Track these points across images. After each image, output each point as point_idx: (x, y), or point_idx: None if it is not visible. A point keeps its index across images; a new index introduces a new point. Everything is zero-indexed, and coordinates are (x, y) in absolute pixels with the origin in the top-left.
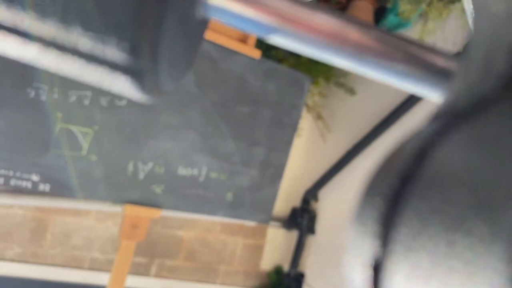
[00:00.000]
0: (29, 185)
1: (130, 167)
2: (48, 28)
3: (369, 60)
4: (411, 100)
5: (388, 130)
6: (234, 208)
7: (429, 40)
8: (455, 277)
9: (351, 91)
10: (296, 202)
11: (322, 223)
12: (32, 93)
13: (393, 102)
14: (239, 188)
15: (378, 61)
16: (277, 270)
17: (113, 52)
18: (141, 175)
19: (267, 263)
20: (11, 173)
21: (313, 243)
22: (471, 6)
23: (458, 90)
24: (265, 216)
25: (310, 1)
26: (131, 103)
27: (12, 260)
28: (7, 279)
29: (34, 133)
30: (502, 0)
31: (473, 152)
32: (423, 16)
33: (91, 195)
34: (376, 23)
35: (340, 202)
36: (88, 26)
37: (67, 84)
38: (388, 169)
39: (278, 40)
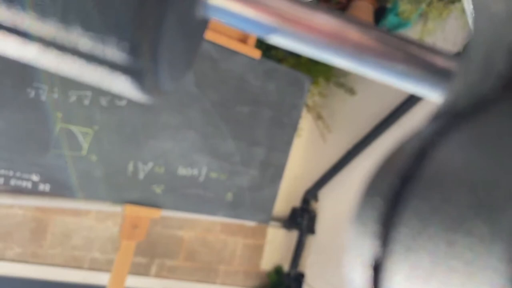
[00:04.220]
0: (29, 185)
1: (130, 167)
2: (48, 28)
3: (369, 60)
4: (411, 100)
5: (388, 130)
6: (234, 208)
7: (429, 40)
8: (455, 277)
9: (351, 91)
10: (296, 202)
11: (322, 223)
12: (32, 93)
13: (393, 102)
14: (239, 188)
15: (378, 61)
16: (277, 270)
17: (113, 52)
18: (141, 175)
19: (267, 263)
20: (11, 173)
21: (313, 243)
22: (471, 6)
23: (458, 90)
24: (265, 216)
25: (310, 1)
26: (131, 103)
27: (12, 260)
28: (7, 279)
29: (34, 133)
30: (502, 0)
31: (473, 152)
32: (423, 16)
33: (91, 195)
34: (376, 23)
35: (340, 202)
36: (88, 26)
37: (67, 84)
38: (388, 169)
39: (278, 40)
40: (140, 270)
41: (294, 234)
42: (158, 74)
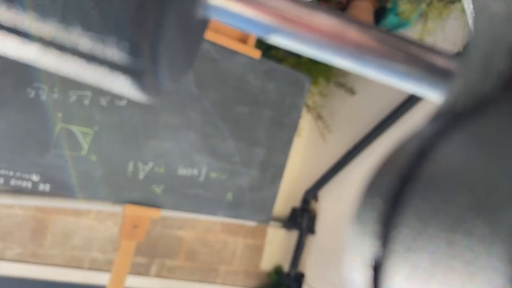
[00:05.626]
0: (29, 185)
1: (130, 167)
2: (48, 28)
3: (369, 60)
4: (411, 100)
5: (388, 130)
6: (234, 208)
7: (429, 40)
8: (455, 277)
9: (351, 91)
10: (296, 202)
11: (322, 223)
12: (32, 93)
13: (393, 102)
14: (239, 188)
15: (378, 61)
16: (277, 270)
17: (113, 52)
18: (141, 175)
19: (267, 263)
20: (11, 173)
21: (313, 243)
22: (471, 6)
23: (458, 90)
24: (265, 216)
25: (310, 1)
26: (131, 103)
27: (12, 260)
28: (7, 279)
29: (34, 133)
30: (502, 0)
31: (473, 152)
32: (423, 16)
33: (91, 195)
34: (376, 23)
35: (340, 202)
36: (88, 26)
37: (67, 84)
38: (388, 169)
39: (278, 40)
40: (140, 270)
41: (294, 234)
42: (158, 74)
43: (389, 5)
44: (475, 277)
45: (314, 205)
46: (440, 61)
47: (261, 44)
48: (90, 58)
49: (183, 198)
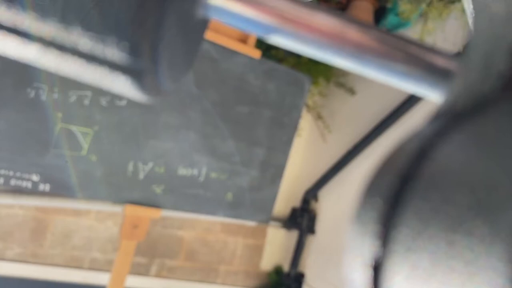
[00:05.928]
0: (29, 185)
1: (130, 167)
2: (48, 28)
3: (369, 60)
4: (411, 100)
5: (388, 130)
6: (234, 208)
7: (429, 40)
8: (455, 277)
9: (351, 91)
10: (296, 202)
11: (322, 223)
12: (32, 93)
13: (393, 102)
14: (239, 188)
15: (378, 61)
16: (277, 270)
17: (113, 52)
18: (141, 175)
19: (267, 263)
20: (11, 173)
21: (313, 243)
22: (471, 6)
23: (458, 90)
24: (265, 216)
25: (310, 1)
26: (131, 103)
27: (12, 260)
28: (7, 279)
29: (34, 133)
30: (502, 0)
31: (473, 152)
32: (423, 16)
33: (91, 195)
34: (376, 23)
35: (340, 202)
36: (88, 26)
37: (67, 84)
38: (388, 169)
39: (278, 40)
40: (140, 270)
41: (294, 234)
42: (158, 74)
43: (389, 5)
44: (475, 277)
45: (314, 205)
46: (440, 61)
47: (261, 44)
48: (90, 58)
49: (183, 198)
